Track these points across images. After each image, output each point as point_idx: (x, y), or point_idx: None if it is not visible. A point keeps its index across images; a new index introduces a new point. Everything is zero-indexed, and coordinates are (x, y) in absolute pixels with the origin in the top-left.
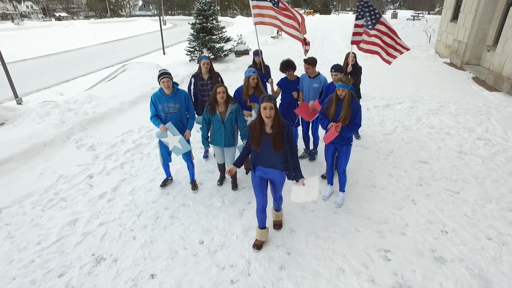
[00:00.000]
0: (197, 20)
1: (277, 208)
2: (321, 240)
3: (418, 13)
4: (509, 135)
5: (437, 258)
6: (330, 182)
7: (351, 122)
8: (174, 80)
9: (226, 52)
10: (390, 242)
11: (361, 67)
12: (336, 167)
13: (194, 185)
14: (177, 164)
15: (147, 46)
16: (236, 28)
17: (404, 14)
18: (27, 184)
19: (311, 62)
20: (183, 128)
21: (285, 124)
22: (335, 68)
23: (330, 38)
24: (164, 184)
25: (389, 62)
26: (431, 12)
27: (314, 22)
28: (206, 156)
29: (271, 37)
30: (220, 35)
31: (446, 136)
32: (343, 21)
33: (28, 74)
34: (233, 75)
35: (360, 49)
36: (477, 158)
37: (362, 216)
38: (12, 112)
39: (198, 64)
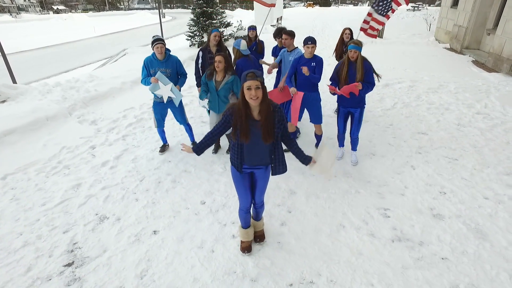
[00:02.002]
0: (197, 5)
1: (257, 217)
2: (322, 200)
3: (419, 4)
4: (508, 110)
5: (436, 215)
6: (341, 145)
7: (366, 81)
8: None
9: (226, 37)
10: (390, 202)
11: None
12: (350, 134)
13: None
14: (178, 136)
15: (147, 38)
16: (236, 19)
17: (404, 6)
18: (31, 154)
19: (289, 33)
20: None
21: (276, 107)
22: (311, 40)
23: (330, 27)
24: (163, 149)
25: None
26: (431, 5)
27: (314, 14)
28: None
29: (271, 25)
30: (220, 19)
31: (445, 111)
32: (343, 13)
33: (27, 65)
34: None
35: (368, 35)
36: (476, 130)
37: (362, 180)
38: (14, 90)
39: (207, 38)
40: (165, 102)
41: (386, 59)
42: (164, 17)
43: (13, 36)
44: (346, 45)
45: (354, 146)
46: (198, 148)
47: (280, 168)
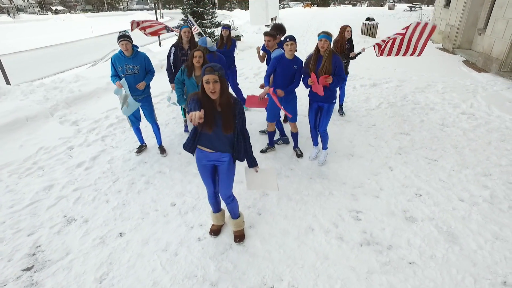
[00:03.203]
0: (188, 5)
1: (233, 214)
2: (293, 202)
3: (416, 5)
4: (493, 110)
5: (408, 217)
6: (315, 143)
7: (337, 75)
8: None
9: (216, 37)
10: (363, 204)
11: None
12: (318, 128)
13: (162, 150)
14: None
15: (144, 38)
16: (236, 20)
17: (403, 6)
18: (7, 154)
19: (271, 34)
20: (143, 90)
21: (236, 100)
22: (290, 37)
23: (325, 27)
24: (140, 150)
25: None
26: (430, 5)
27: (311, 14)
28: (186, 130)
29: (265, 25)
30: (211, 19)
31: (430, 111)
32: (340, 13)
33: (23, 65)
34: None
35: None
36: (459, 130)
37: (338, 181)
38: None
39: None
40: (121, 109)
41: (377, 59)
42: (162, 17)
43: (11, 36)
44: (348, 42)
45: (324, 144)
46: (186, 146)
47: (239, 156)
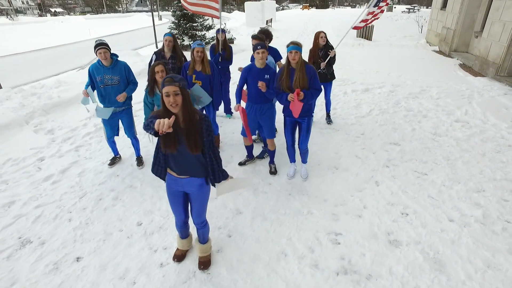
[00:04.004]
0: (178, 7)
1: (202, 239)
2: (268, 222)
3: (414, 6)
4: (488, 117)
5: (392, 241)
6: (293, 160)
7: (311, 88)
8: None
9: (207, 40)
10: (344, 225)
11: (332, 46)
12: (298, 145)
13: (139, 161)
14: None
15: (141, 40)
16: (232, 22)
17: (402, 8)
18: None
19: (260, 38)
20: (124, 102)
21: (203, 116)
22: (261, 45)
23: (321, 29)
24: (113, 162)
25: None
26: (429, 7)
27: (308, 16)
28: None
29: (260, 27)
30: (202, 22)
31: (422, 118)
32: (338, 15)
33: (19, 68)
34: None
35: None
36: (452, 140)
37: (318, 198)
38: None
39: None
40: (96, 116)
41: (371, 62)
42: (160, 19)
43: (7, 38)
44: (322, 49)
45: (303, 158)
46: (154, 169)
47: (218, 177)
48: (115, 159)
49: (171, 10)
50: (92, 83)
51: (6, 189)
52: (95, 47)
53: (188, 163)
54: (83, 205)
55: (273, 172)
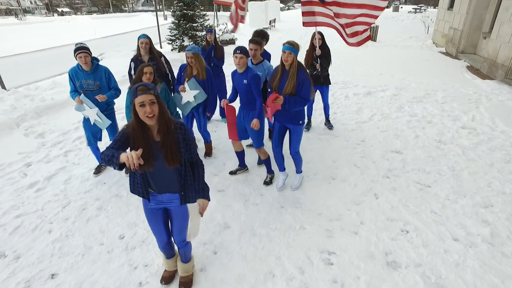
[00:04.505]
0: (178, 7)
1: (184, 258)
2: (257, 238)
3: (421, 6)
4: (497, 123)
5: (390, 262)
6: (282, 168)
7: (297, 94)
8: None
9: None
10: (338, 242)
11: (329, 49)
12: (290, 150)
13: (128, 169)
14: None
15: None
16: (222, 22)
17: (409, 8)
18: None
19: (257, 42)
20: (107, 107)
21: (178, 124)
22: (241, 49)
23: (325, 30)
24: (98, 171)
25: (352, 44)
26: (436, 7)
27: None
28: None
29: (263, 28)
30: (202, 22)
31: (427, 124)
32: None
33: (22, 68)
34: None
35: (359, 43)
36: (457, 148)
37: (312, 212)
38: None
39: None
40: (92, 123)
41: (375, 64)
42: (166, 19)
43: (14, 38)
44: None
45: (297, 167)
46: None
47: (190, 196)
48: (101, 168)
49: (171, 10)
50: (74, 88)
51: None
52: (75, 51)
53: (166, 178)
54: (66, 215)
55: (268, 182)
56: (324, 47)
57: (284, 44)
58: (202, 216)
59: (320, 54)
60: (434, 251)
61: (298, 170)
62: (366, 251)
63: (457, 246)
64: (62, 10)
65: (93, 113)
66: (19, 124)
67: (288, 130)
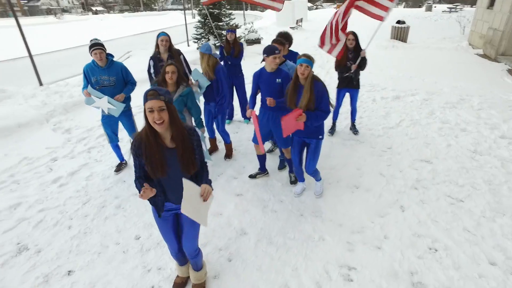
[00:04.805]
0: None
1: (196, 267)
2: (274, 247)
3: (456, 5)
4: None
5: (415, 283)
6: (301, 179)
7: (317, 109)
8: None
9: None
10: (359, 257)
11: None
12: (305, 168)
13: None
14: None
15: (174, 38)
16: (263, 21)
17: (443, 7)
18: None
19: (281, 42)
20: (125, 102)
21: (191, 130)
22: (279, 50)
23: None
24: (118, 168)
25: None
26: (473, 5)
27: None
28: None
29: (290, 27)
30: (228, 22)
31: (460, 132)
32: None
33: (58, 64)
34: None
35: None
36: (495, 160)
37: (333, 222)
38: (2, 93)
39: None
40: (106, 113)
41: (405, 66)
42: (194, 17)
43: (52, 36)
44: (351, 51)
45: (315, 178)
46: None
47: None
48: (121, 165)
49: (197, 9)
50: (88, 84)
51: (16, 190)
52: (89, 48)
53: (180, 185)
54: (85, 212)
55: (293, 181)
56: (358, 49)
57: (299, 57)
58: (205, 200)
59: (353, 56)
60: (467, 275)
61: (318, 179)
62: (389, 268)
63: (495, 271)
64: (96, 9)
65: (104, 102)
66: (48, 120)
67: (306, 147)
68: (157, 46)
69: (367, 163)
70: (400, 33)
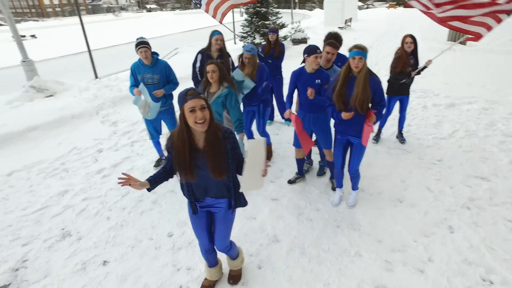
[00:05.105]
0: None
1: (231, 257)
2: (306, 258)
3: None
4: None
5: None
6: (339, 185)
7: (377, 104)
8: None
9: (280, 39)
10: (398, 279)
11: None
12: (348, 168)
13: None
14: None
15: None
16: (311, 20)
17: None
18: (44, 151)
19: (335, 45)
20: (165, 101)
21: (227, 133)
22: (319, 48)
23: (406, 31)
24: (158, 164)
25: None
26: None
27: (395, 16)
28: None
29: (338, 27)
30: (275, 20)
31: None
32: None
33: (113, 59)
34: (283, 62)
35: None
36: None
37: (372, 237)
38: (61, 86)
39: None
40: (143, 116)
41: (462, 71)
42: (242, 15)
43: (110, 32)
44: (411, 55)
45: (354, 184)
46: (152, 182)
47: (241, 200)
48: (160, 161)
49: (245, 8)
50: (135, 82)
51: (65, 177)
52: (136, 46)
53: (212, 187)
54: (123, 205)
55: (335, 188)
56: (416, 54)
57: (351, 50)
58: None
59: (412, 60)
60: None
61: (355, 187)
62: None
63: None
64: (149, 7)
65: (146, 104)
66: (98, 112)
67: (350, 146)
68: (209, 43)
69: (413, 175)
70: (459, 35)
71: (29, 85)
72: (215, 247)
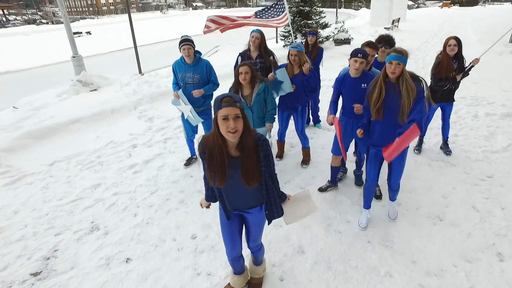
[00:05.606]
0: (294, 3)
1: (256, 261)
2: (332, 273)
3: None
4: None
5: None
6: (368, 205)
7: (416, 115)
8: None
9: (321, 39)
10: None
11: (464, 59)
12: (389, 182)
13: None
14: None
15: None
16: (357, 20)
17: None
18: (83, 144)
19: (376, 47)
20: (204, 101)
21: (260, 141)
22: (362, 53)
23: (460, 33)
24: (188, 163)
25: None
26: None
27: (448, 15)
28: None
29: (385, 28)
30: (317, 20)
31: None
32: (488, 14)
33: (157, 55)
34: (324, 63)
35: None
36: None
37: (405, 256)
38: (105, 80)
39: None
40: (186, 117)
41: None
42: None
43: (157, 29)
44: (454, 59)
45: (393, 196)
46: (208, 198)
47: (275, 212)
48: (191, 160)
49: (288, 6)
50: (177, 79)
51: (100, 171)
52: (180, 42)
53: (244, 196)
54: (151, 202)
55: (378, 196)
56: (461, 57)
57: (389, 53)
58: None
59: (456, 65)
60: None
61: (394, 198)
62: None
63: None
64: (196, 5)
65: (187, 110)
66: (136, 107)
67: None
68: (248, 43)
69: (456, 191)
70: None
71: (77, 79)
72: (247, 245)
